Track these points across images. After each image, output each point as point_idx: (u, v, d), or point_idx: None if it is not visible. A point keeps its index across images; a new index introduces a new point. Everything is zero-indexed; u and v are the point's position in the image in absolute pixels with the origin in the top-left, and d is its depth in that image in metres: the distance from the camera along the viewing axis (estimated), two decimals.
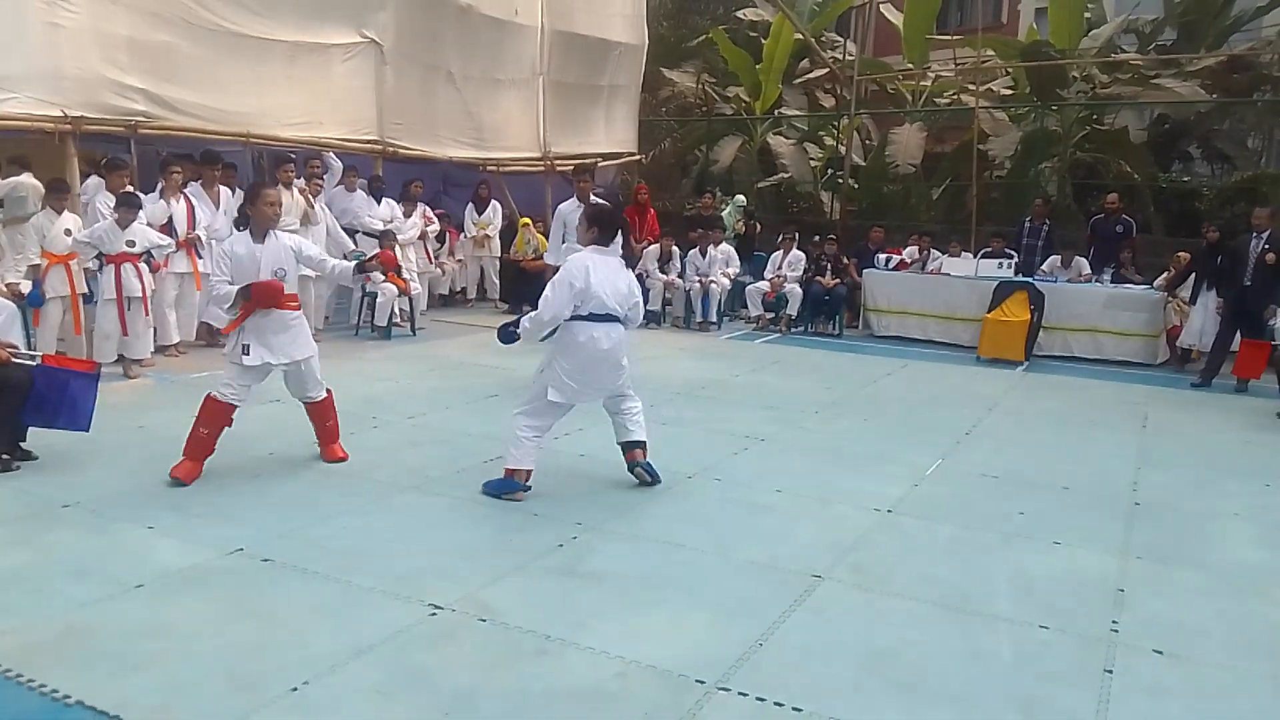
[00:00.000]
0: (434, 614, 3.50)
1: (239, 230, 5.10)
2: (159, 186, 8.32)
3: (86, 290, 7.60)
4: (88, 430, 5.04)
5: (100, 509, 4.44)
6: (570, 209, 7.42)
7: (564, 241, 7.20)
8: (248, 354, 4.96)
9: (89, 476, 4.83)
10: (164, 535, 4.16)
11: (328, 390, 5.37)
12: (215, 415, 4.95)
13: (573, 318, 4.72)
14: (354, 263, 5.48)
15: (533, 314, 4.81)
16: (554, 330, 4.83)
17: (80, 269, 7.53)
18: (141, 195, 7.90)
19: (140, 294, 7.55)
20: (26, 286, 7.19)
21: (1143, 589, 4.02)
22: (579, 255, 4.86)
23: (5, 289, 6.87)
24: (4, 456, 4.95)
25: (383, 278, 5.53)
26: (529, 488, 4.81)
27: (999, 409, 7.61)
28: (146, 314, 7.68)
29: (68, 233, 7.42)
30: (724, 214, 13.38)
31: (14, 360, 4.99)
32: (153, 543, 4.08)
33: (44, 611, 3.39)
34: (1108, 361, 9.90)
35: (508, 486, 4.80)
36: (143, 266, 7.60)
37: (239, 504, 4.59)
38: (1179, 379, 9.22)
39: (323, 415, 5.38)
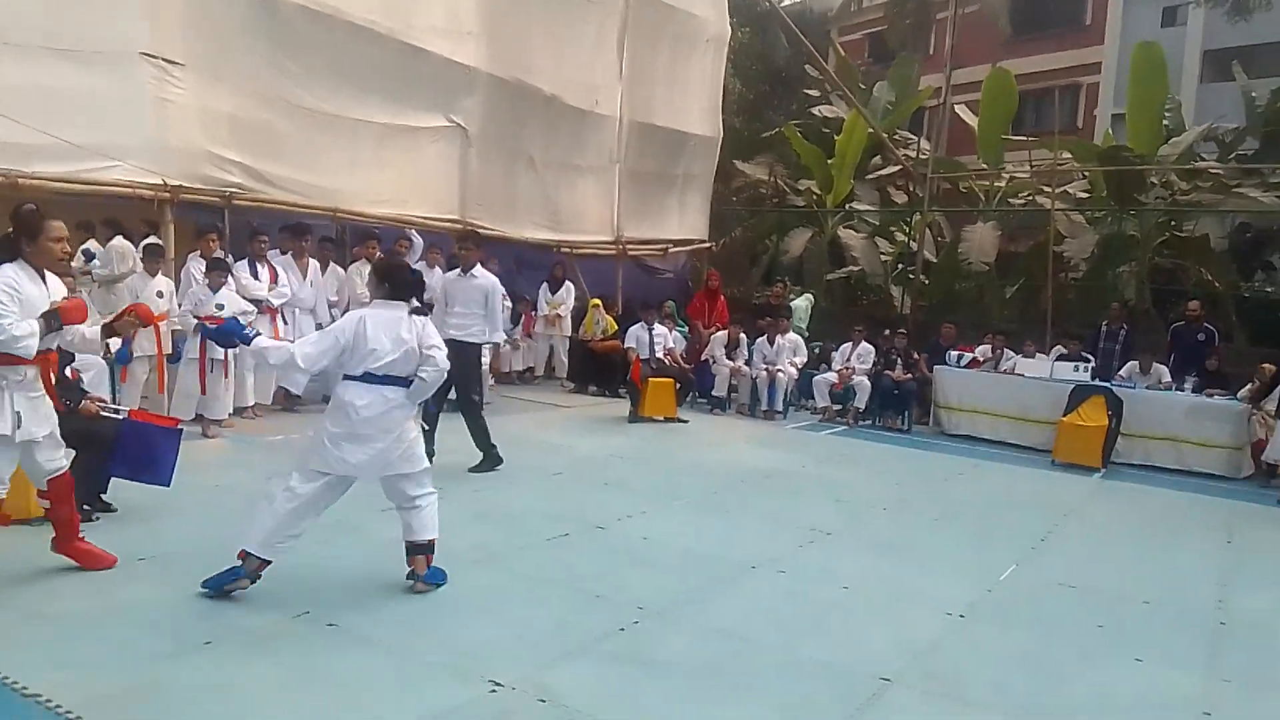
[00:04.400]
0: (494, 691, 3.45)
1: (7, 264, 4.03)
2: (247, 254, 8.63)
3: (171, 350, 7.84)
4: (169, 485, 5.15)
5: (174, 564, 4.51)
6: (452, 279, 7.30)
7: (446, 312, 7.03)
8: (20, 426, 4.01)
9: (165, 531, 4.92)
10: (234, 594, 4.20)
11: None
12: None
13: (345, 377, 4.31)
14: (99, 329, 4.43)
15: (290, 345, 4.38)
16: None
17: (169, 330, 7.79)
18: (232, 260, 8.23)
19: (223, 357, 7.78)
20: (115, 344, 7.46)
21: (1230, 713, 3.81)
22: (355, 310, 4.53)
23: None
24: (85, 507, 5.06)
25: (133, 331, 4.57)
26: (259, 578, 4.17)
27: (1075, 516, 7.37)
28: (227, 376, 7.90)
29: (160, 295, 7.72)
30: (797, 306, 13.41)
31: (102, 414, 5.16)
32: (222, 600, 4.12)
33: (113, 663, 3.43)
34: (1189, 472, 9.54)
35: (229, 578, 4.12)
36: None
37: (306, 568, 4.61)
38: (1265, 494, 8.84)
39: (68, 492, 4.37)
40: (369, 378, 4.26)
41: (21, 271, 4.03)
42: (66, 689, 3.18)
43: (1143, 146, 14.90)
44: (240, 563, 4.13)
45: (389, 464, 4.34)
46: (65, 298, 4.11)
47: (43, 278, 4.11)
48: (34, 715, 3.04)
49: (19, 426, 4.01)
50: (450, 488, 6.49)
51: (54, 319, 3.97)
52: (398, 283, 4.51)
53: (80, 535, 4.44)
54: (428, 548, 4.47)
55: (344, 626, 3.93)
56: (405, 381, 4.34)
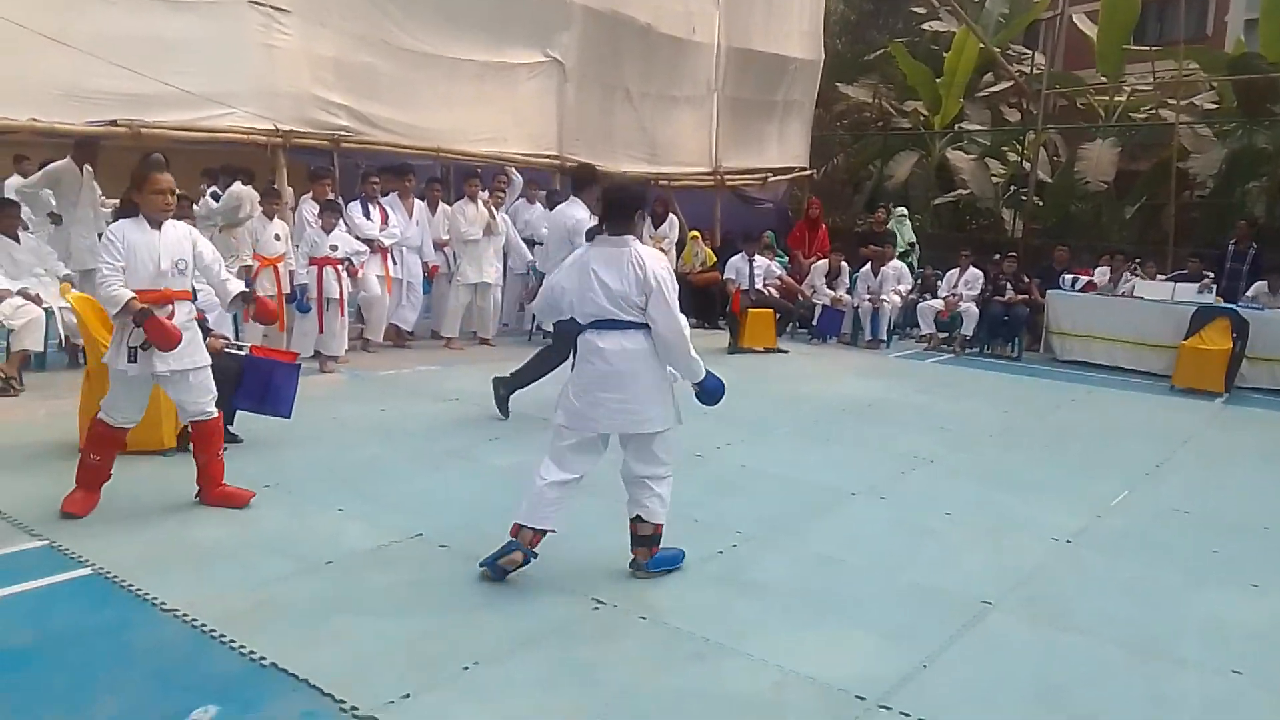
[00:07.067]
0: (597, 608, 3.59)
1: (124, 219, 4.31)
2: (359, 196, 8.89)
3: (290, 290, 8.17)
4: (289, 417, 5.43)
5: (297, 490, 4.79)
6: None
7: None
8: (134, 360, 4.23)
9: (288, 460, 5.21)
10: (352, 518, 4.45)
11: (219, 411, 4.57)
12: (106, 441, 4.37)
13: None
14: (237, 292, 4.63)
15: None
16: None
17: (288, 271, 8.12)
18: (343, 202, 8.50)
19: (338, 295, 8.08)
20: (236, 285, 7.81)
21: None
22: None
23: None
24: None
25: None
26: (535, 555, 3.78)
27: (1194, 442, 7.11)
28: (343, 315, 8.21)
29: (277, 237, 8.04)
30: (892, 228, 13.13)
31: (225, 351, 5.45)
32: (342, 524, 4.37)
33: (244, 582, 3.69)
34: None
35: (503, 552, 3.74)
36: (342, 270, 8.14)
37: (420, 494, 4.85)
38: None
39: (211, 440, 4.52)
40: (596, 324, 3.78)
41: (135, 224, 4.28)
42: (201, 605, 3.43)
43: (1277, 53, 13.87)
44: (513, 537, 3.79)
45: (629, 424, 3.81)
46: (176, 262, 4.31)
47: (158, 226, 4.31)
48: (173, 629, 3.29)
49: (133, 360, 4.23)
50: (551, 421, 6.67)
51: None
52: (620, 213, 3.82)
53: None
54: (648, 538, 3.91)
55: (455, 548, 4.11)
56: (629, 324, 3.75)
